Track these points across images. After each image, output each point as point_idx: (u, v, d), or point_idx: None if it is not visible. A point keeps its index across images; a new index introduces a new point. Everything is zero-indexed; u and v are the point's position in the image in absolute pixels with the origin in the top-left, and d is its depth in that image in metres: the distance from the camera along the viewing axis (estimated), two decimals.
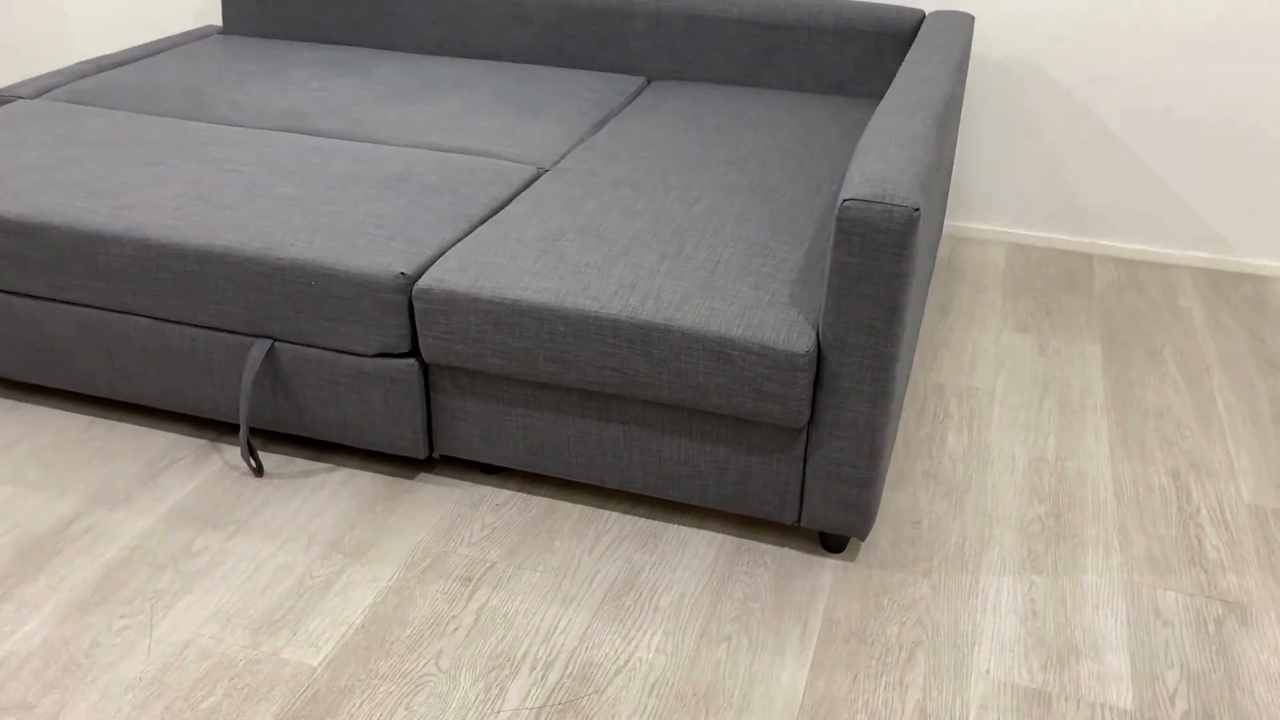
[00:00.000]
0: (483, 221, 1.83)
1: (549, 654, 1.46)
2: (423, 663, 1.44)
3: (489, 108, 2.31)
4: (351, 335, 1.68)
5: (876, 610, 1.55)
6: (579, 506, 1.75)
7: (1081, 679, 1.44)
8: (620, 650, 1.47)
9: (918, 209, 1.36)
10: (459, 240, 1.75)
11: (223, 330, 1.76)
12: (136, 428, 1.91)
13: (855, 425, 1.51)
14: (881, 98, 2.47)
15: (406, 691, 1.39)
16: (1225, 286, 2.58)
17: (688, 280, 1.59)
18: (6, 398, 1.99)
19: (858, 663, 1.46)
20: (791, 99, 2.43)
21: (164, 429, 1.91)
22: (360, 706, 1.37)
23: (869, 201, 1.37)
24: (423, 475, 1.82)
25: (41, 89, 2.37)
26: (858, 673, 1.45)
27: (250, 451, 1.77)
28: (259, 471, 1.79)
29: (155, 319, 1.79)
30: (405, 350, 1.68)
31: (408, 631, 1.49)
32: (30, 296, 1.84)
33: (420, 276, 1.64)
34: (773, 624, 1.52)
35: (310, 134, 2.17)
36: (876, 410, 1.49)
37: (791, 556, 1.65)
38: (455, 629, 1.50)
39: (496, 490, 1.79)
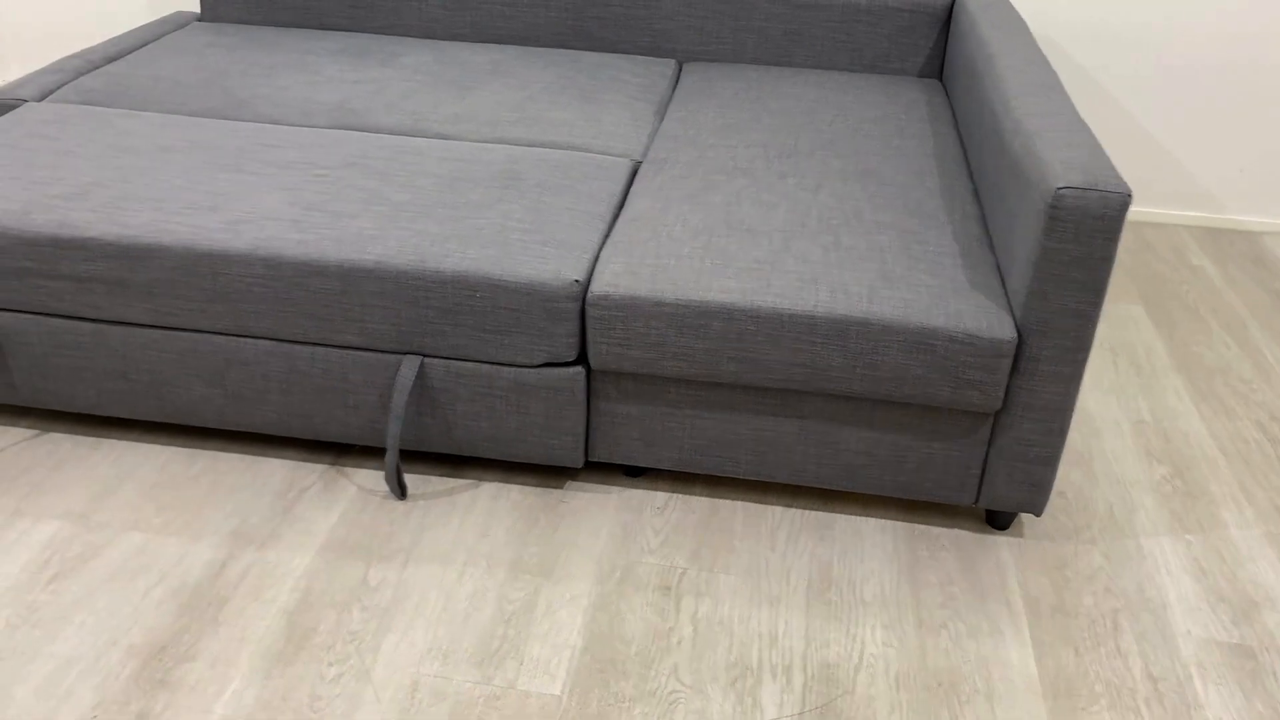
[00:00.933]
0: (614, 220, 1.77)
1: (783, 658, 1.45)
2: (663, 679, 1.41)
3: (546, 97, 2.23)
4: (515, 346, 1.61)
5: (1065, 583, 1.61)
6: (740, 503, 1.74)
7: (1272, 629, 1.54)
8: (849, 648, 1.47)
9: (1129, 194, 1.40)
10: (606, 241, 1.69)
11: (363, 349, 1.65)
12: (244, 457, 1.78)
13: (1048, 406, 1.55)
14: (918, 75, 2.51)
15: (662, 711, 1.36)
16: (1223, 244, 2.76)
17: (863, 270, 1.59)
18: (86, 434, 1.81)
19: (1072, 636, 1.51)
20: (834, 78, 2.44)
21: (274, 456, 1.79)
22: None
23: (1084, 189, 1.40)
24: (569, 484, 1.77)
25: (43, 90, 2.15)
26: (1077, 646, 1.50)
27: (398, 474, 1.67)
28: (403, 494, 1.70)
29: (280, 341, 1.66)
30: (572, 359, 1.62)
31: (633, 649, 1.46)
32: (127, 324, 1.68)
33: (591, 282, 1.58)
34: (978, 606, 1.56)
35: (375, 131, 2.05)
36: (1070, 390, 1.54)
37: (965, 537, 1.69)
38: (679, 641, 1.47)
39: (650, 493, 1.75)
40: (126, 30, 3.04)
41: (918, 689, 1.41)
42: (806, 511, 1.73)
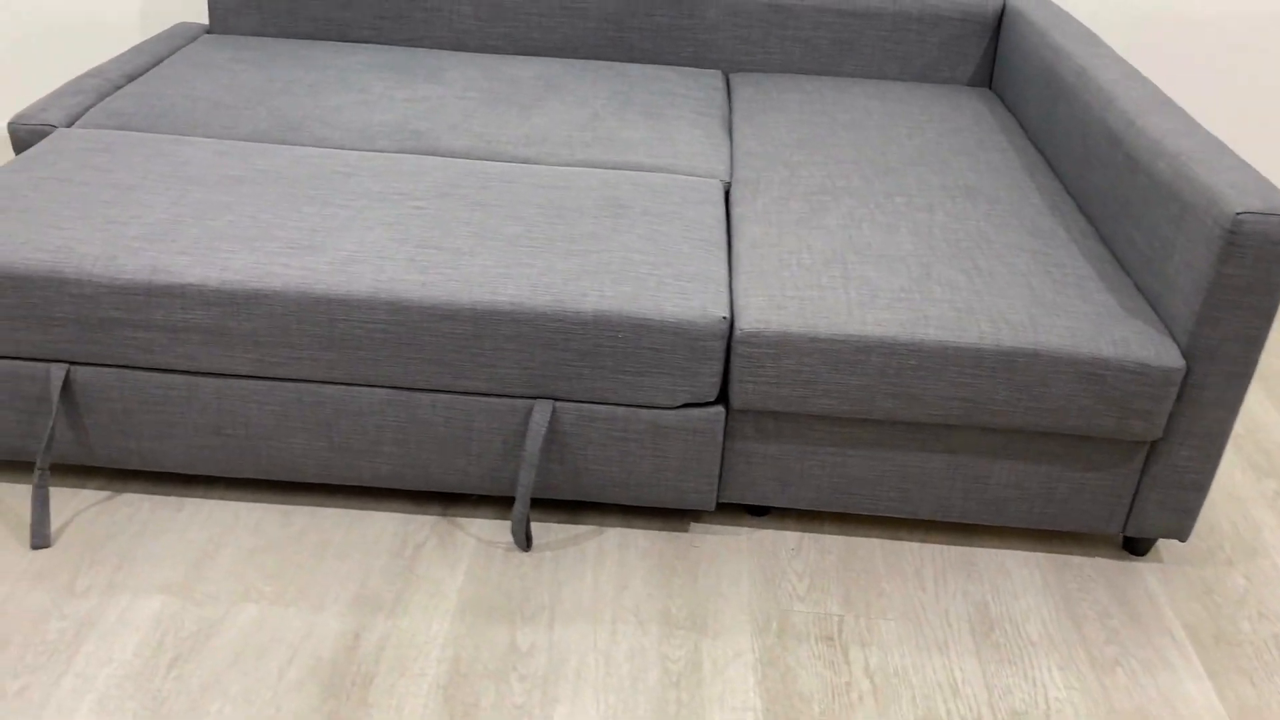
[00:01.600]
0: (729, 248, 1.69)
1: (970, 709, 1.39)
2: None
3: (610, 114, 2.14)
4: (656, 388, 1.51)
5: (1218, 609, 1.58)
6: (875, 541, 1.68)
7: None
8: (1032, 693, 1.42)
9: None
10: (733, 272, 1.61)
11: (490, 395, 1.54)
12: (344, 512, 1.65)
13: (1208, 433, 1.52)
14: (966, 83, 2.48)
15: None
16: None
17: (1013, 298, 1.54)
18: (163, 494, 1.66)
19: (1243, 666, 1.49)
20: (888, 88, 2.39)
21: (377, 510, 1.66)
22: None
23: (1264, 214, 1.37)
24: (694, 526, 1.68)
25: (69, 115, 1.98)
26: (1250, 676, 1.47)
27: (526, 525, 1.57)
28: (528, 545, 1.60)
29: (400, 389, 1.54)
30: (713, 398, 1.54)
31: (816, 708, 1.38)
32: (225, 376, 1.54)
33: (737, 318, 1.49)
34: (1143, 639, 1.52)
35: (448, 155, 1.93)
36: (1230, 416, 1.51)
37: (1107, 566, 1.65)
38: (859, 696, 1.40)
39: (779, 533, 1.68)
40: (128, 42, 2.85)
41: None
42: (945, 547, 1.67)
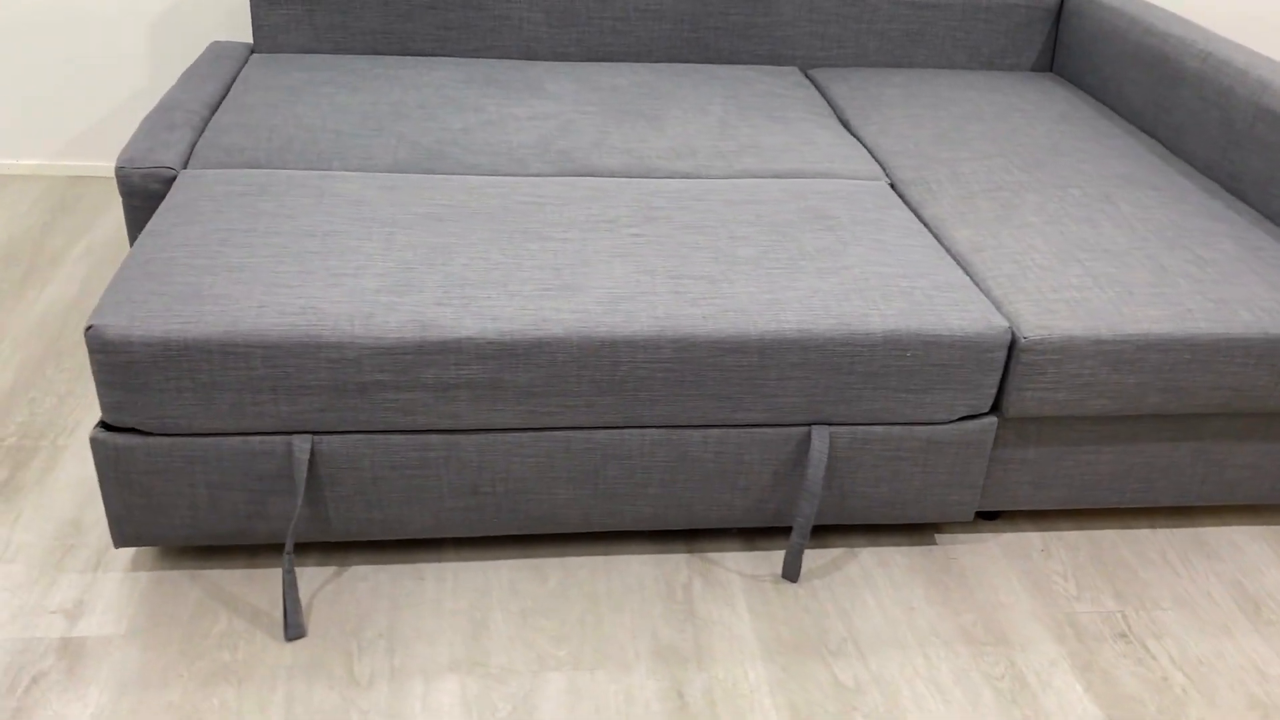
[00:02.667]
0: (948, 252, 1.68)
1: None
2: None
3: (736, 120, 2.09)
4: (936, 404, 1.49)
5: None
6: (1112, 532, 1.70)
7: None
8: None
9: None
10: (976, 279, 1.60)
11: (765, 425, 1.48)
12: (591, 559, 1.57)
13: None
14: (1030, 69, 2.53)
15: None
16: None
17: (1252, 284, 1.58)
18: (391, 562, 1.54)
19: None
20: (968, 78, 2.42)
21: (620, 553, 1.58)
22: None
23: None
24: (939, 537, 1.67)
25: (179, 154, 1.79)
26: None
27: (798, 555, 1.52)
28: (795, 576, 1.55)
29: (673, 428, 1.46)
30: (987, 409, 1.52)
31: (1152, 708, 1.39)
32: (489, 431, 1.43)
33: (1016, 327, 1.48)
34: None
35: (608, 175, 1.84)
36: None
37: None
38: (1182, 690, 1.42)
39: (1020, 535, 1.69)
40: (149, 67, 2.61)
41: None
42: (1173, 530, 1.71)
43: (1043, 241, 1.66)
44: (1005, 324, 1.46)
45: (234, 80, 2.16)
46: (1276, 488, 1.67)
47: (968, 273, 1.61)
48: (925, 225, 1.75)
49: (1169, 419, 1.58)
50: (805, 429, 1.49)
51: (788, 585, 1.55)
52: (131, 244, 1.81)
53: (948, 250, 1.67)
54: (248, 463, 1.40)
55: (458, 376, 1.37)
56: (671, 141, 1.97)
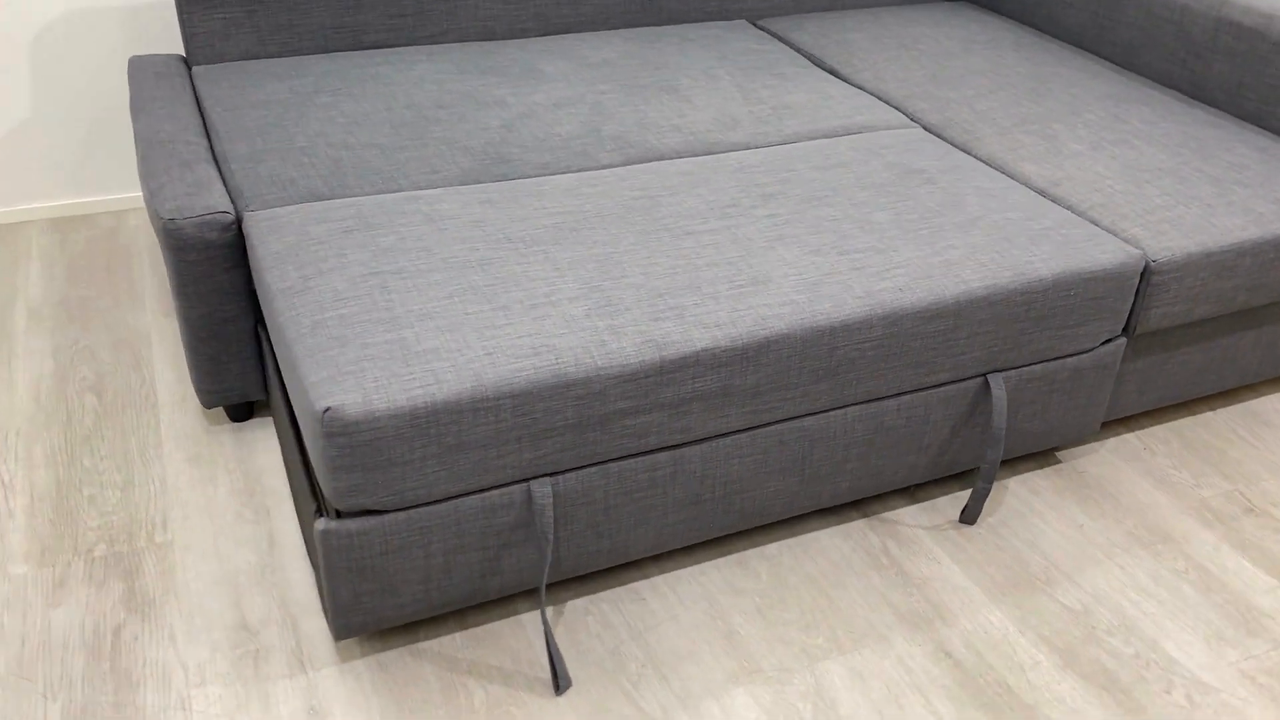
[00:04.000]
0: (1034, 190, 1.77)
1: None
2: None
3: (749, 83, 2.09)
4: (1087, 334, 1.59)
5: None
6: (1183, 421, 1.89)
7: None
8: None
9: None
10: (1075, 211, 1.70)
11: (948, 384, 1.53)
12: (781, 544, 1.58)
13: None
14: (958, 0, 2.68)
15: None
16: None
17: None
18: (606, 589, 1.48)
19: None
20: (914, 13, 2.52)
21: (804, 533, 1.60)
22: None
23: None
24: (1059, 455, 1.79)
25: (221, 196, 1.60)
26: None
27: (982, 499, 1.60)
28: (975, 519, 1.63)
29: (872, 401, 1.49)
30: (1118, 332, 1.64)
31: None
32: (713, 439, 1.40)
33: (1144, 253, 1.60)
34: None
35: (674, 156, 1.81)
36: None
37: None
38: None
39: (1121, 439, 1.84)
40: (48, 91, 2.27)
41: None
42: (1229, 409, 1.92)
43: (1103, 168, 1.79)
44: (1139, 251, 1.58)
45: (200, 101, 1.92)
46: None
47: (1068, 208, 1.71)
48: (991, 167, 1.83)
49: (1243, 312, 1.77)
50: (981, 379, 1.55)
51: (968, 529, 1.62)
52: (180, 301, 1.60)
53: (1031, 188, 1.76)
54: (486, 519, 1.30)
55: (692, 390, 1.32)
56: (708, 113, 1.95)
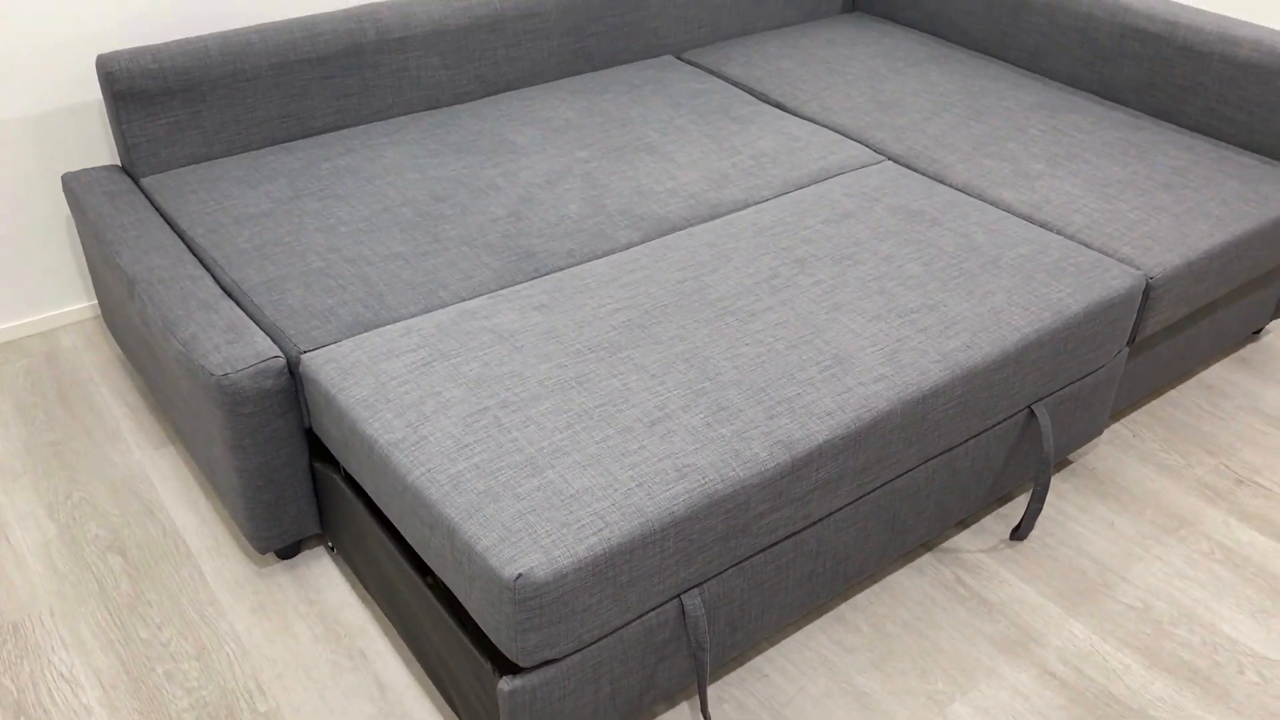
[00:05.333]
0: (1022, 217, 1.90)
1: None
2: None
3: (716, 129, 2.14)
4: (1104, 351, 1.74)
5: None
6: (1153, 403, 2.09)
7: None
8: None
9: None
10: (1066, 235, 1.84)
11: (1004, 420, 1.64)
12: (866, 593, 1.66)
13: None
14: (840, 12, 2.79)
15: None
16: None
17: (1226, 181, 1.98)
18: (726, 671, 1.53)
19: None
20: (819, 29, 2.62)
21: (881, 578, 1.69)
22: None
23: None
24: (1070, 457, 1.95)
25: (265, 340, 1.53)
26: None
27: (1035, 517, 1.73)
28: (1026, 535, 1.76)
29: (944, 454, 1.58)
30: (1126, 343, 1.80)
31: None
32: (826, 518, 1.46)
33: (1144, 272, 1.76)
34: None
35: (684, 227, 1.84)
36: None
37: None
38: None
39: (1112, 430, 2.02)
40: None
41: None
42: (1185, 385, 2.14)
43: (1071, 187, 1.94)
44: (1139, 271, 1.73)
45: (173, 222, 1.81)
46: (1250, 323, 2.14)
47: (1059, 232, 1.84)
48: (974, 198, 1.95)
49: (1204, 305, 1.97)
50: (1027, 410, 1.67)
51: (1021, 545, 1.75)
52: (235, 456, 1.51)
53: (1020, 216, 1.89)
54: (646, 640, 1.32)
55: (815, 480, 1.38)
56: (696, 171, 1.98)
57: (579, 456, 1.28)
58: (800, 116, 2.26)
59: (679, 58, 2.53)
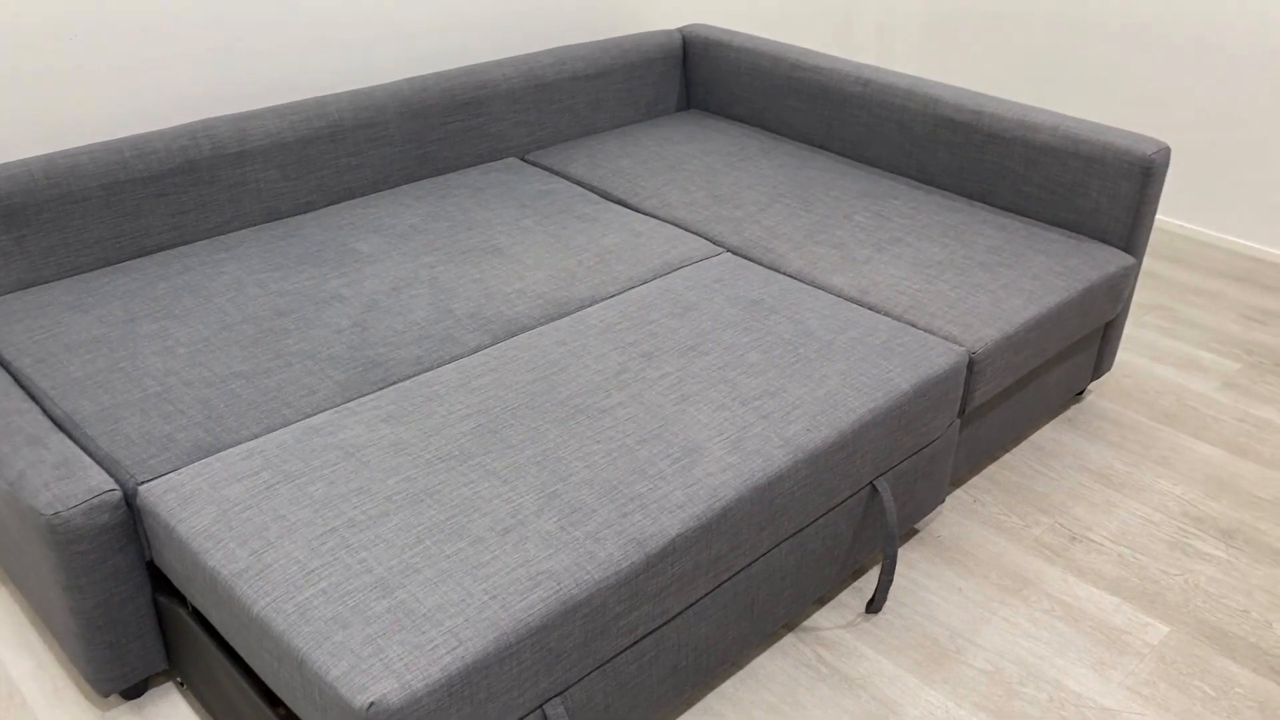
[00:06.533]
0: (852, 301, 2.00)
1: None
2: None
3: (555, 227, 2.19)
4: (937, 424, 1.83)
5: None
6: (990, 468, 2.20)
7: None
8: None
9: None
10: (894, 316, 1.94)
11: (848, 499, 1.71)
12: (731, 680, 1.68)
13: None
14: (676, 110, 2.92)
15: None
16: None
17: (1037, 257, 2.13)
18: None
19: None
20: (654, 130, 2.73)
21: (745, 662, 1.72)
22: None
23: (1161, 151, 2.15)
24: (916, 526, 2.03)
25: (98, 473, 1.48)
26: None
27: (887, 589, 1.79)
28: (880, 607, 1.82)
29: (795, 535, 1.63)
30: (956, 415, 1.90)
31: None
32: (685, 611, 1.48)
33: (966, 348, 1.87)
34: None
35: (534, 327, 1.87)
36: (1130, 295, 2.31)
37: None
38: (1145, 548, 1.96)
39: (953, 496, 2.12)
40: None
41: None
42: (1018, 447, 2.26)
43: (895, 270, 2.06)
44: (962, 347, 1.84)
45: (9, 355, 1.74)
46: (1072, 385, 2.28)
47: (886, 314, 1.94)
48: (807, 284, 2.04)
49: (1027, 373, 2.10)
50: (870, 486, 1.74)
51: (876, 617, 1.81)
52: (71, 596, 1.45)
53: (849, 299, 1.99)
54: None
55: (671, 575, 1.40)
56: (542, 271, 2.02)
57: (430, 573, 1.27)
58: (642, 213, 2.33)
59: (523, 159, 2.59)
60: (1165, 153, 2.15)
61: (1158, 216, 3.35)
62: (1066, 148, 2.21)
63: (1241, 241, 3.18)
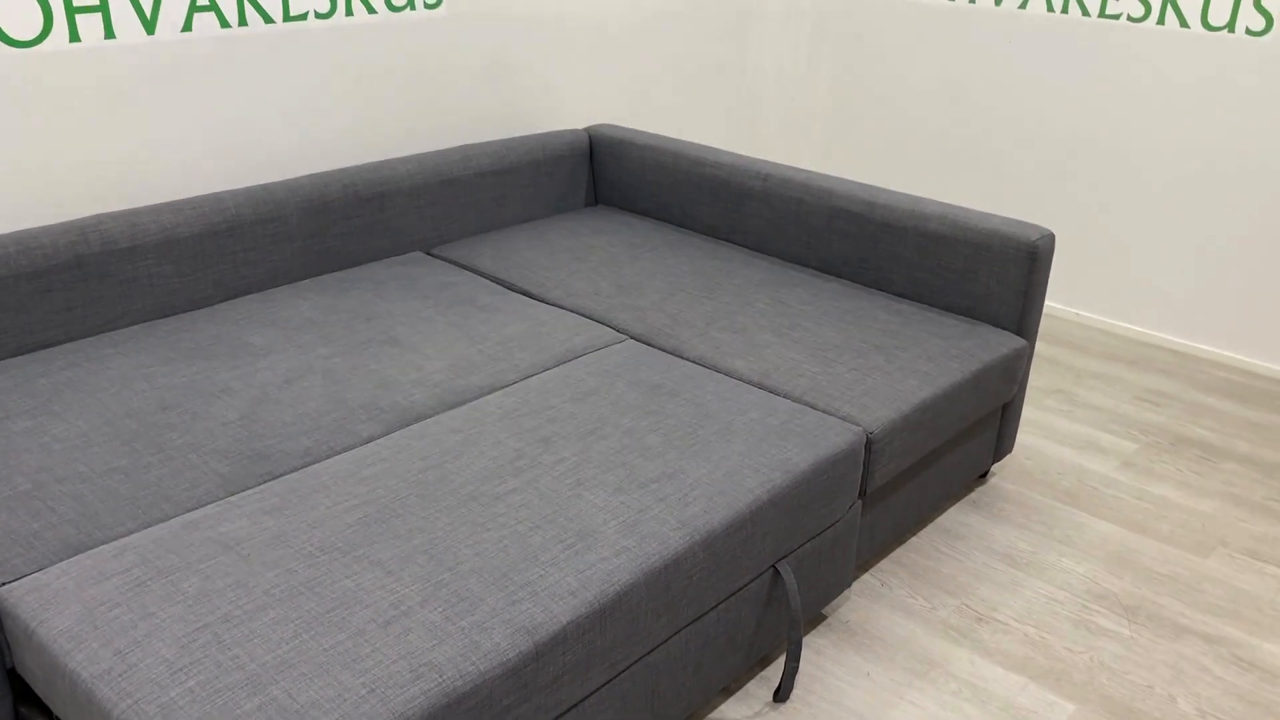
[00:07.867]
0: (753, 384, 2.01)
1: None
2: None
3: (459, 318, 2.18)
4: (837, 506, 1.83)
5: None
6: (895, 551, 2.21)
7: None
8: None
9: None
10: (793, 399, 1.96)
11: (750, 583, 1.68)
12: None
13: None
14: (584, 206, 2.96)
15: None
16: None
17: (931, 339, 2.18)
18: None
19: None
20: (561, 224, 2.76)
21: None
22: None
23: (1046, 237, 2.22)
24: (823, 612, 2.01)
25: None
26: None
27: (794, 676, 1.76)
28: (788, 695, 1.78)
29: (695, 622, 1.59)
30: (857, 496, 1.90)
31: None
32: (578, 705, 1.43)
33: (864, 429, 1.88)
34: None
35: (430, 415, 1.85)
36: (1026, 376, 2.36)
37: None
38: (1051, 628, 1.96)
39: (861, 581, 2.11)
40: None
41: None
42: (923, 531, 2.27)
43: (794, 354, 2.08)
44: (859, 428, 1.85)
45: None
46: (974, 467, 2.31)
47: (786, 396, 1.96)
48: (709, 369, 2.05)
49: (927, 455, 2.12)
50: (772, 569, 1.72)
51: (784, 705, 1.77)
52: None
53: (749, 383, 2.00)
54: None
55: (563, 665, 1.36)
56: (442, 361, 2.00)
57: (306, 668, 1.22)
58: (546, 303, 2.33)
59: (428, 253, 2.59)
60: (1049, 239, 2.23)
61: (1055, 304, 3.47)
62: (956, 235, 2.28)
63: (1134, 327, 3.29)
